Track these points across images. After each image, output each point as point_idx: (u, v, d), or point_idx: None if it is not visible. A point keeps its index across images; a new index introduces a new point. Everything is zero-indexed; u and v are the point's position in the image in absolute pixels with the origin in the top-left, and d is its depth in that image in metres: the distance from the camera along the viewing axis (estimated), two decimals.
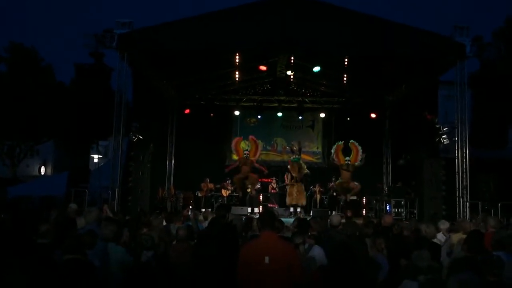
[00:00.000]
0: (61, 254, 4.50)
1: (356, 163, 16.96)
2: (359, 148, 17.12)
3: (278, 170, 20.23)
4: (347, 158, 16.86)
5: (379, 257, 5.45)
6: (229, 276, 4.49)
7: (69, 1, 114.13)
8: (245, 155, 16.96)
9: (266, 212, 5.51)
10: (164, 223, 8.25)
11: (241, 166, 17.18)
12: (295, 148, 17.88)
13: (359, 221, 9.70)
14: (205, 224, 8.02)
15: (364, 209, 17.78)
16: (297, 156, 17.60)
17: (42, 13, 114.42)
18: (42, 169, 39.42)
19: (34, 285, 3.46)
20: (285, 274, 4.20)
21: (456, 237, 6.64)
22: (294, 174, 17.32)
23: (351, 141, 17.31)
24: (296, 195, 17.10)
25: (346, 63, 16.13)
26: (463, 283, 3.07)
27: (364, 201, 18.31)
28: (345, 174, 16.84)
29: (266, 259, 4.20)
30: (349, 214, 10.49)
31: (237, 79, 18.50)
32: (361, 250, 5.23)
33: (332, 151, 17.41)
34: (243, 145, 17.57)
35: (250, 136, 17.61)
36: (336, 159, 17.25)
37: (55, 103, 29.68)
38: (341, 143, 17.52)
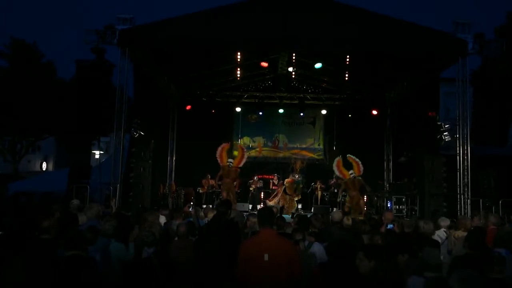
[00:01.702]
0: (63, 250, 4.52)
1: (360, 176, 15.99)
2: (358, 160, 16.45)
3: (279, 167, 20.25)
4: (351, 171, 15.92)
5: None
6: (230, 272, 4.50)
7: None
8: (228, 163, 16.09)
9: (265, 209, 5.51)
10: (164, 219, 8.28)
11: (224, 176, 16.16)
12: (297, 168, 17.93)
13: (361, 218, 9.72)
14: (206, 220, 8.03)
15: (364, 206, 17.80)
16: (300, 178, 17.74)
17: (43, 9, 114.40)
18: (44, 165, 39.48)
19: (35, 281, 3.47)
20: (284, 270, 4.21)
21: (457, 234, 6.64)
22: (289, 192, 17.44)
23: (348, 155, 16.89)
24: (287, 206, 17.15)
25: (347, 59, 16.13)
26: (465, 280, 3.07)
27: (365, 198, 18.32)
28: (353, 191, 15.51)
29: (266, 256, 4.21)
30: (346, 209, 10.43)
31: (238, 75, 18.51)
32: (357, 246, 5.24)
33: (334, 168, 16.54)
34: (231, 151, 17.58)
35: (239, 145, 17.50)
36: (340, 175, 16.40)
37: (56, 99, 29.67)
38: (339, 158, 16.83)
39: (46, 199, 15.45)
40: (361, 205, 15.49)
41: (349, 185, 15.53)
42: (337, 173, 16.36)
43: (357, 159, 16.33)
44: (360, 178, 15.76)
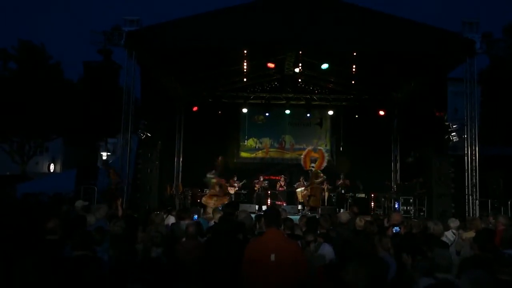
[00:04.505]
0: (70, 250, 4.54)
1: (319, 170, 17.65)
2: (326, 155, 18.38)
3: (285, 168, 20.23)
4: (312, 164, 17.48)
5: (386, 256, 5.42)
6: (237, 273, 4.50)
7: None
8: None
9: (271, 209, 5.49)
10: (173, 220, 8.29)
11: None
12: (218, 164, 16.68)
13: (367, 219, 9.66)
14: (212, 222, 8.02)
15: (372, 207, 17.81)
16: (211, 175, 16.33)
17: (51, 10, 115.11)
18: (51, 166, 39.71)
19: (43, 281, 3.48)
20: (290, 271, 4.20)
21: (468, 235, 6.59)
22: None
23: (319, 147, 17.91)
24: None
25: (354, 60, 16.08)
26: (476, 281, 3.04)
27: (372, 199, 18.29)
28: (313, 183, 17.02)
29: (272, 256, 4.19)
30: (355, 210, 10.37)
31: (245, 76, 18.50)
32: (368, 248, 5.21)
33: (301, 157, 18.42)
34: None
35: None
36: (303, 164, 18.25)
37: (63, 100, 29.84)
38: (309, 149, 19.01)
39: (54, 200, 15.50)
40: (317, 196, 16.85)
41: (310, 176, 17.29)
42: (301, 162, 18.53)
43: (325, 154, 18.57)
44: (318, 171, 17.58)
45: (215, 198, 15.18)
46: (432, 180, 14.38)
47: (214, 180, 15.85)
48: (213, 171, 16.06)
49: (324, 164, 18.23)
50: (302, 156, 18.66)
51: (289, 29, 12.22)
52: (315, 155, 19.12)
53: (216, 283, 4.89)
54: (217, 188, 15.60)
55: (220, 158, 16.46)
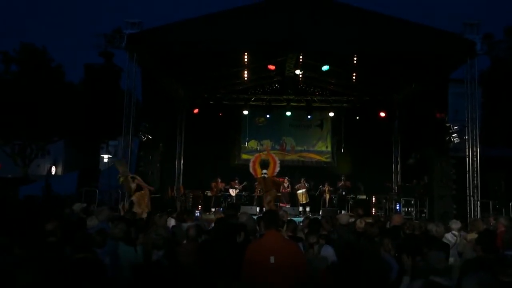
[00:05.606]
0: (71, 252, 4.54)
1: (273, 177, 16.71)
2: (277, 159, 17.33)
3: (287, 170, 20.20)
4: (264, 171, 16.55)
5: (388, 258, 5.42)
6: (238, 276, 4.49)
7: (79, 1, 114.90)
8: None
9: (270, 211, 5.50)
10: (173, 223, 8.29)
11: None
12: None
13: (369, 220, 9.66)
14: (213, 224, 8.01)
15: (373, 208, 17.79)
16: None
17: (52, 14, 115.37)
18: (53, 169, 39.72)
19: (45, 283, 3.48)
20: (290, 273, 4.19)
21: (470, 237, 6.57)
22: None
23: (268, 152, 17.74)
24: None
25: (355, 61, 16.08)
26: (479, 283, 3.03)
27: (373, 200, 18.27)
28: (266, 189, 16.17)
29: (271, 258, 4.19)
30: (360, 212, 10.32)
31: (245, 78, 18.51)
32: (371, 249, 5.20)
33: (250, 164, 17.41)
34: None
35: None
36: (252, 172, 17.06)
37: (65, 103, 29.87)
38: (258, 154, 18.14)
39: (55, 203, 15.53)
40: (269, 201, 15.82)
41: (261, 183, 16.34)
42: (250, 169, 17.12)
43: (276, 158, 17.20)
44: (273, 177, 16.59)
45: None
46: (434, 182, 14.38)
47: (122, 179, 13.22)
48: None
49: (277, 168, 16.90)
50: (250, 163, 17.31)
51: (290, 31, 12.22)
52: (265, 156, 17.64)
53: (216, 285, 4.88)
54: (133, 186, 13.03)
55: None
